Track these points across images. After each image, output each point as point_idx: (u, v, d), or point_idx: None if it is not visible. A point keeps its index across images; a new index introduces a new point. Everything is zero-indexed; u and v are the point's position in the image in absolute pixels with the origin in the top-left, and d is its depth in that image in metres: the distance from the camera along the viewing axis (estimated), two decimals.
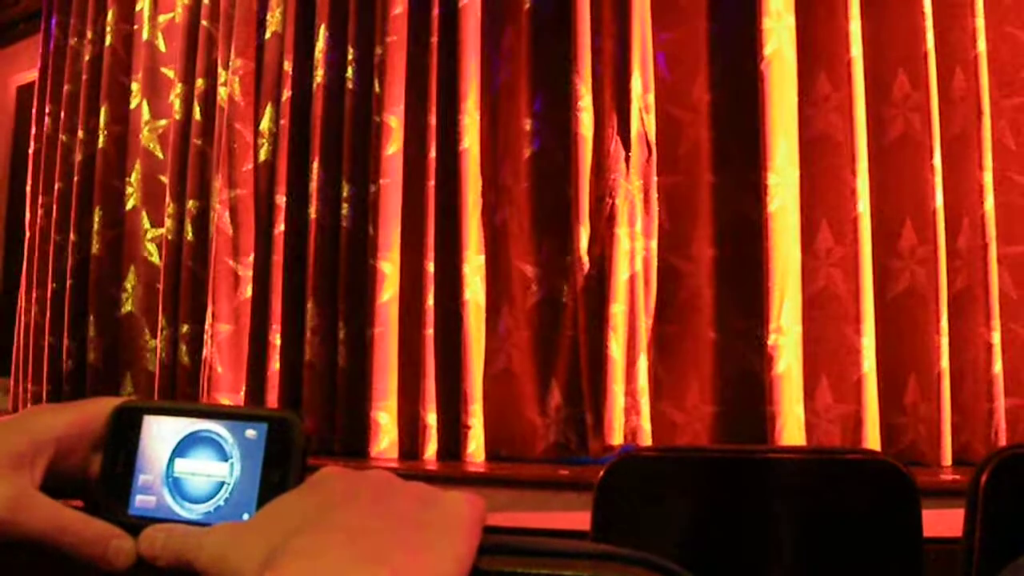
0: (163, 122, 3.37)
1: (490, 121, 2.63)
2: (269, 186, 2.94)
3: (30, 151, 3.89)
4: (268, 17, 3.02)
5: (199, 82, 3.19)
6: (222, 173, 2.99)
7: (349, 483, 0.42)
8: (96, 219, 3.42)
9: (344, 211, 2.75)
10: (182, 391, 3.05)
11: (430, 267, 2.58)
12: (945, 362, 2.05)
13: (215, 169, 3.04)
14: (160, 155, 3.36)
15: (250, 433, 0.48)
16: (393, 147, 2.66)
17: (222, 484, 0.47)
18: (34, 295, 3.63)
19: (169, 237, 3.19)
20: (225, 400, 2.87)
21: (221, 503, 0.47)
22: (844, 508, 1.13)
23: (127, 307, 3.34)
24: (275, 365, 2.81)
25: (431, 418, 2.53)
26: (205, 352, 2.93)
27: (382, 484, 0.43)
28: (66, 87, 3.67)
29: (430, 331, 2.55)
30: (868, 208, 2.16)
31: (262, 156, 2.99)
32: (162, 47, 3.42)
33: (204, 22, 3.20)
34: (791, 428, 2.13)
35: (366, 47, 2.78)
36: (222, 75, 3.10)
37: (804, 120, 2.24)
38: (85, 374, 3.37)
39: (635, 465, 1.21)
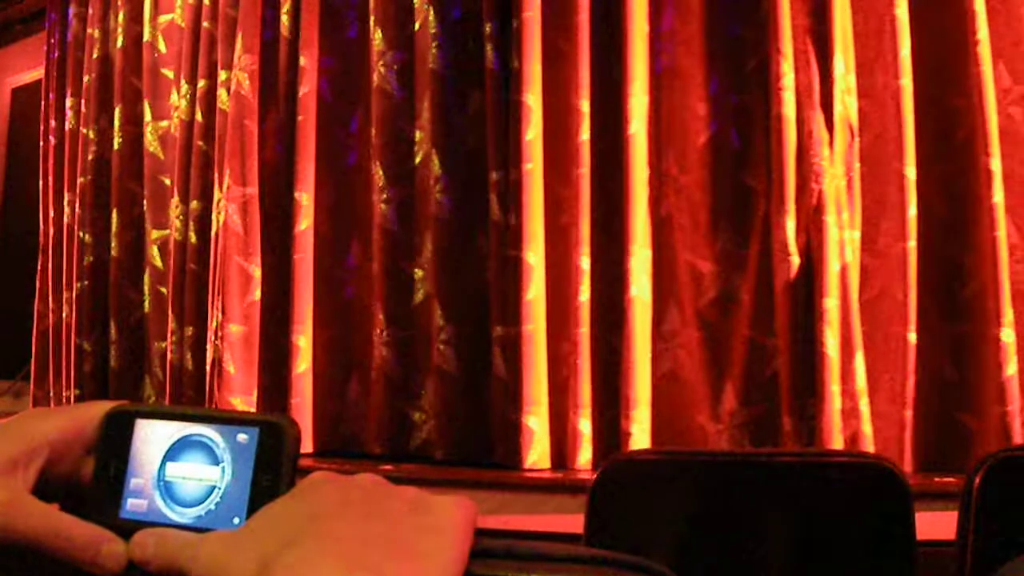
0: (164, 123, 3.33)
1: (653, 105, 2.44)
2: (288, 181, 2.86)
3: (49, 145, 3.73)
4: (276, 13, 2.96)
5: (201, 83, 3.12)
6: (232, 170, 2.89)
7: (340, 489, 0.43)
8: (114, 220, 3.36)
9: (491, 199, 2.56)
10: (197, 395, 2.94)
11: (583, 262, 2.40)
12: None
13: (223, 167, 2.95)
14: (161, 156, 3.31)
15: (241, 437, 0.48)
16: (532, 132, 2.46)
17: (213, 488, 0.47)
18: (64, 295, 3.49)
19: (188, 238, 3.11)
20: (238, 402, 2.77)
21: (212, 507, 0.47)
22: (838, 510, 1.13)
23: (145, 309, 3.28)
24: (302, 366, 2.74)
25: (584, 425, 2.36)
26: (213, 353, 2.82)
27: (372, 490, 0.43)
28: (86, 78, 3.56)
29: (584, 330, 2.38)
30: None
31: (274, 152, 2.91)
32: (162, 48, 3.37)
33: (205, 23, 3.14)
34: (989, 433, 2.02)
35: (499, 24, 2.59)
36: (222, 75, 3.03)
37: None
38: (107, 376, 3.28)
39: (629, 468, 1.21)
